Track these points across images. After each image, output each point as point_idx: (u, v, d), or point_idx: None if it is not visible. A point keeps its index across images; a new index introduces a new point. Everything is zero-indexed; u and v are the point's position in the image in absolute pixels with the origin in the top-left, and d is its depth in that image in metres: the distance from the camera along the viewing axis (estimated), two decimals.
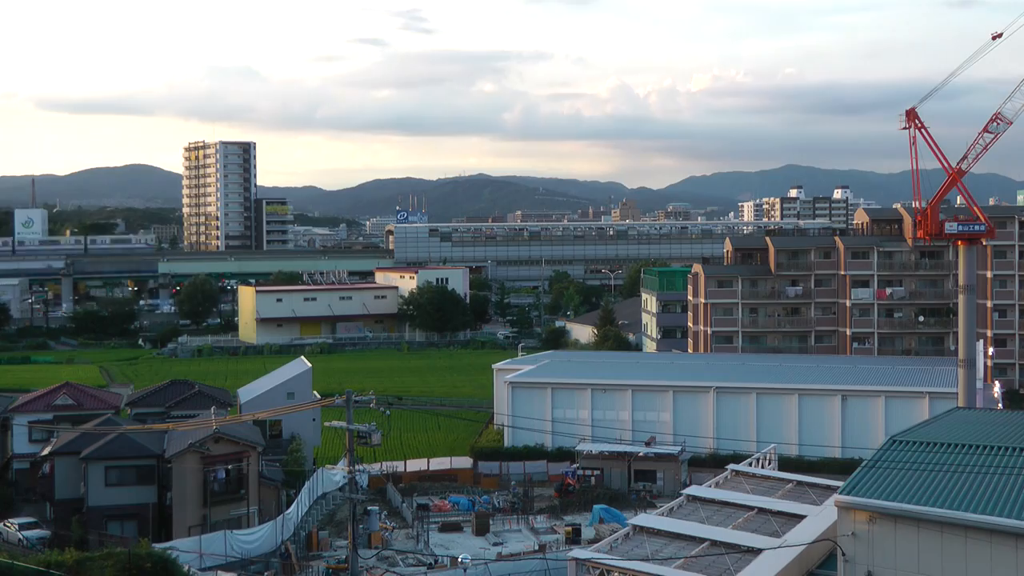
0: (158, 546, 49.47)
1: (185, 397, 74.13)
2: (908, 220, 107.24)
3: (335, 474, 70.64)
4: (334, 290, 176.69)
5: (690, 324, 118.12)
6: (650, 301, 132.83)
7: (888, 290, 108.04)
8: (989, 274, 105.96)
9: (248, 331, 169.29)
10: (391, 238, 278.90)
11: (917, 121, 69.09)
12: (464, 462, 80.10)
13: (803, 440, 76.79)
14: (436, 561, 55.26)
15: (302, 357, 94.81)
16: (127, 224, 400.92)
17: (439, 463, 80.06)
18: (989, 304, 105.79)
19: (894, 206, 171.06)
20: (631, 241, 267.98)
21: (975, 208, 72.53)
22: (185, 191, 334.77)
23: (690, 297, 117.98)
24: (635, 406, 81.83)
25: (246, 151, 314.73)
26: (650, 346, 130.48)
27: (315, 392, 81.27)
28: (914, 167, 69.63)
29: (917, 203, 73.09)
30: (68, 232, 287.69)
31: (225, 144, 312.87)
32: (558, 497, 71.01)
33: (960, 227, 70.91)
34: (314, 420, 76.67)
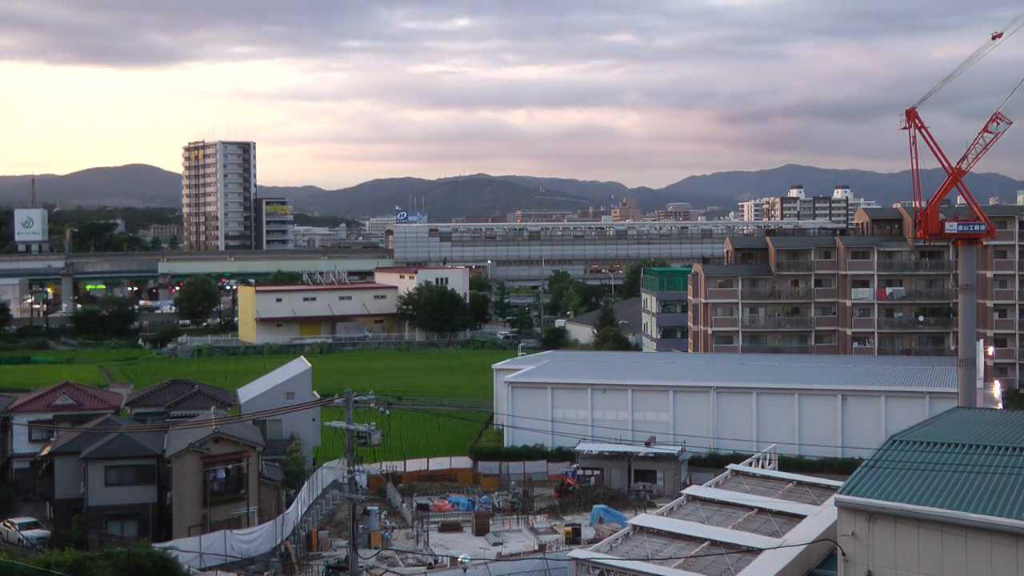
0: (158, 546, 49.44)
1: (185, 397, 74.07)
2: (908, 220, 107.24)
3: (334, 473, 70.63)
4: (334, 290, 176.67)
5: (690, 324, 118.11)
6: (650, 301, 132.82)
7: (888, 290, 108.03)
8: (989, 274, 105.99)
9: (248, 331, 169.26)
10: (391, 238, 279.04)
11: (917, 121, 68.94)
12: (464, 462, 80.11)
13: (803, 440, 76.76)
14: (436, 561, 55.22)
15: (302, 357, 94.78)
16: (127, 224, 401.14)
17: (439, 463, 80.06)
18: (989, 304, 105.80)
19: (894, 206, 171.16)
20: (631, 241, 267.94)
21: (975, 208, 72.44)
22: (185, 191, 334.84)
23: (690, 297, 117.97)
24: (635, 406, 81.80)
25: (246, 151, 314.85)
26: (650, 346, 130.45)
27: (315, 392, 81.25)
28: (914, 167, 69.44)
29: (917, 203, 72.92)
30: (68, 232, 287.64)
31: (225, 144, 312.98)
32: (558, 497, 70.98)
33: (960, 227, 70.76)
34: (314, 420, 76.67)
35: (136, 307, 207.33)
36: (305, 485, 65.77)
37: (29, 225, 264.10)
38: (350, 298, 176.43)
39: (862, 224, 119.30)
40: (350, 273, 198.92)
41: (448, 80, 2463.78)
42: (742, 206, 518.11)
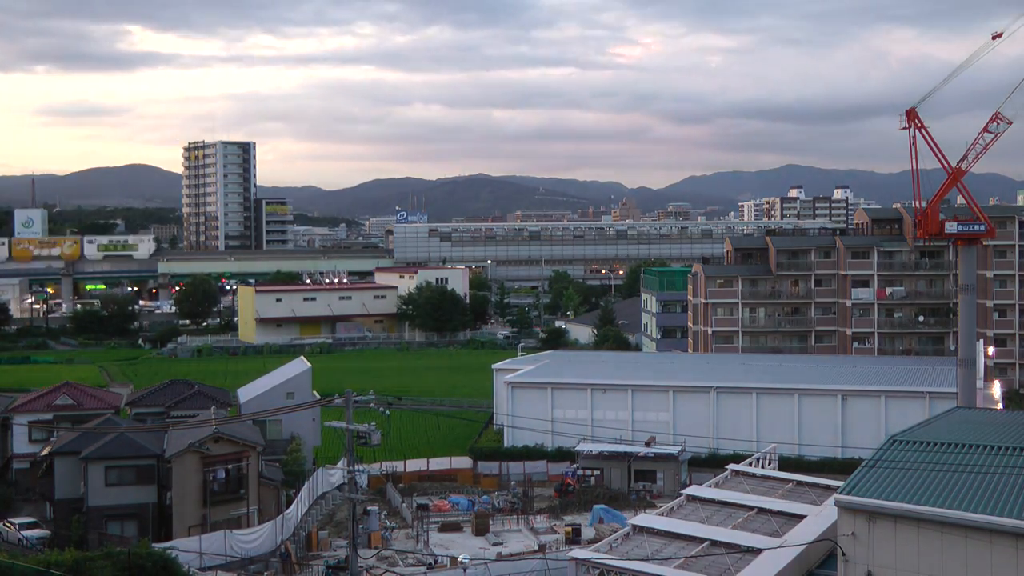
0: (158, 546, 49.43)
1: (185, 397, 74.06)
2: (908, 220, 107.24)
3: (333, 473, 70.64)
4: (334, 290, 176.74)
5: (690, 324, 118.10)
6: (650, 301, 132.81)
7: (888, 290, 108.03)
8: (989, 274, 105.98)
9: (248, 331, 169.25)
10: (391, 238, 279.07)
11: (917, 121, 68.93)
12: (464, 462, 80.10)
13: (803, 440, 76.76)
14: (436, 561, 55.22)
15: (302, 357, 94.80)
16: (127, 224, 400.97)
17: (439, 463, 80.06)
18: (989, 304, 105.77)
19: (894, 206, 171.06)
20: (631, 241, 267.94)
21: (975, 208, 72.42)
22: (185, 191, 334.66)
23: (690, 297, 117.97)
24: (635, 406, 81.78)
25: (245, 151, 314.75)
26: (650, 346, 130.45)
27: (315, 392, 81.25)
28: (914, 167, 69.43)
29: (917, 203, 72.93)
30: (68, 232, 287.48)
31: (225, 144, 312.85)
32: (558, 497, 70.96)
33: (960, 227, 70.76)
34: (314, 420, 76.67)
35: (136, 307, 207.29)
36: (305, 485, 65.79)
37: (29, 225, 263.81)
38: (350, 298, 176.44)
39: (862, 224, 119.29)
40: (350, 273, 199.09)
41: (440, 80, 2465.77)
42: (742, 206, 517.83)
